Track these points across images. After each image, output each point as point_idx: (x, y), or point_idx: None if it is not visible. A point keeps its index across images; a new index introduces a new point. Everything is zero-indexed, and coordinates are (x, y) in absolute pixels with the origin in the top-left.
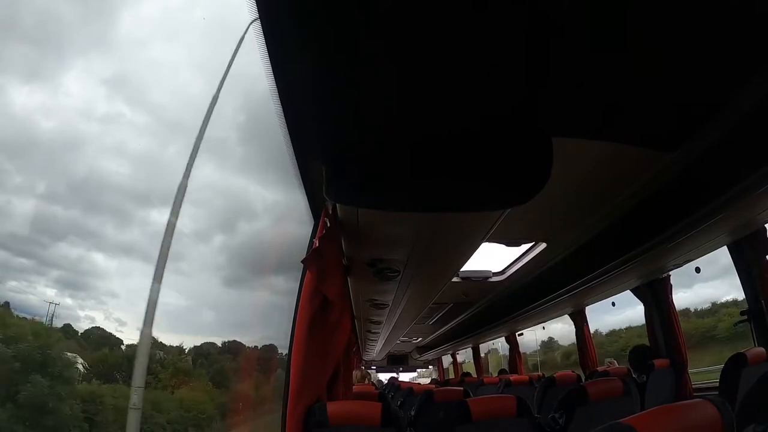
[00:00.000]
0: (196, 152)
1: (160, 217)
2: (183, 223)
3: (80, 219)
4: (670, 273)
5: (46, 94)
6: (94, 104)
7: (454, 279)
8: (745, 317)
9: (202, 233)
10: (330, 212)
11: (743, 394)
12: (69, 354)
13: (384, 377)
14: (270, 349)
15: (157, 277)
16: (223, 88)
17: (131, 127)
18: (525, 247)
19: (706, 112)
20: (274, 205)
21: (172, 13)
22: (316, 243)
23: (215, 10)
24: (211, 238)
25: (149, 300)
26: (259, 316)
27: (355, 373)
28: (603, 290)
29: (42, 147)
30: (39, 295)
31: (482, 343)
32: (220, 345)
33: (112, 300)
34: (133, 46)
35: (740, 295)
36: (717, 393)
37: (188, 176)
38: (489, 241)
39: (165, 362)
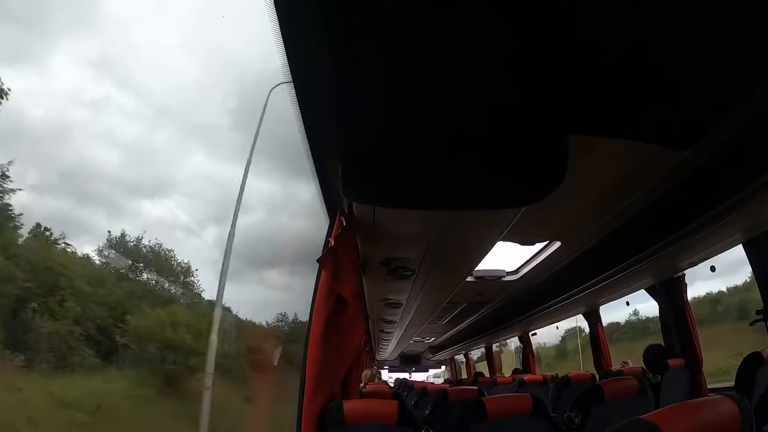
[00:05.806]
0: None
1: (153, 208)
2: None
3: (72, 210)
4: (685, 272)
5: (35, 79)
6: (85, 89)
7: (468, 278)
8: (761, 316)
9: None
10: (346, 211)
11: (759, 393)
12: None
13: (391, 376)
14: None
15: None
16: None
17: (121, 112)
18: (539, 246)
19: (720, 109)
20: (286, 202)
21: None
22: (332, 242)
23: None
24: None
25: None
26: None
27: (366, 373)
28: (617, 289)
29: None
30: None
31: (495, 342)
32: None
33: None
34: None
35: None
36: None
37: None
38: (503, 240)
39: None
